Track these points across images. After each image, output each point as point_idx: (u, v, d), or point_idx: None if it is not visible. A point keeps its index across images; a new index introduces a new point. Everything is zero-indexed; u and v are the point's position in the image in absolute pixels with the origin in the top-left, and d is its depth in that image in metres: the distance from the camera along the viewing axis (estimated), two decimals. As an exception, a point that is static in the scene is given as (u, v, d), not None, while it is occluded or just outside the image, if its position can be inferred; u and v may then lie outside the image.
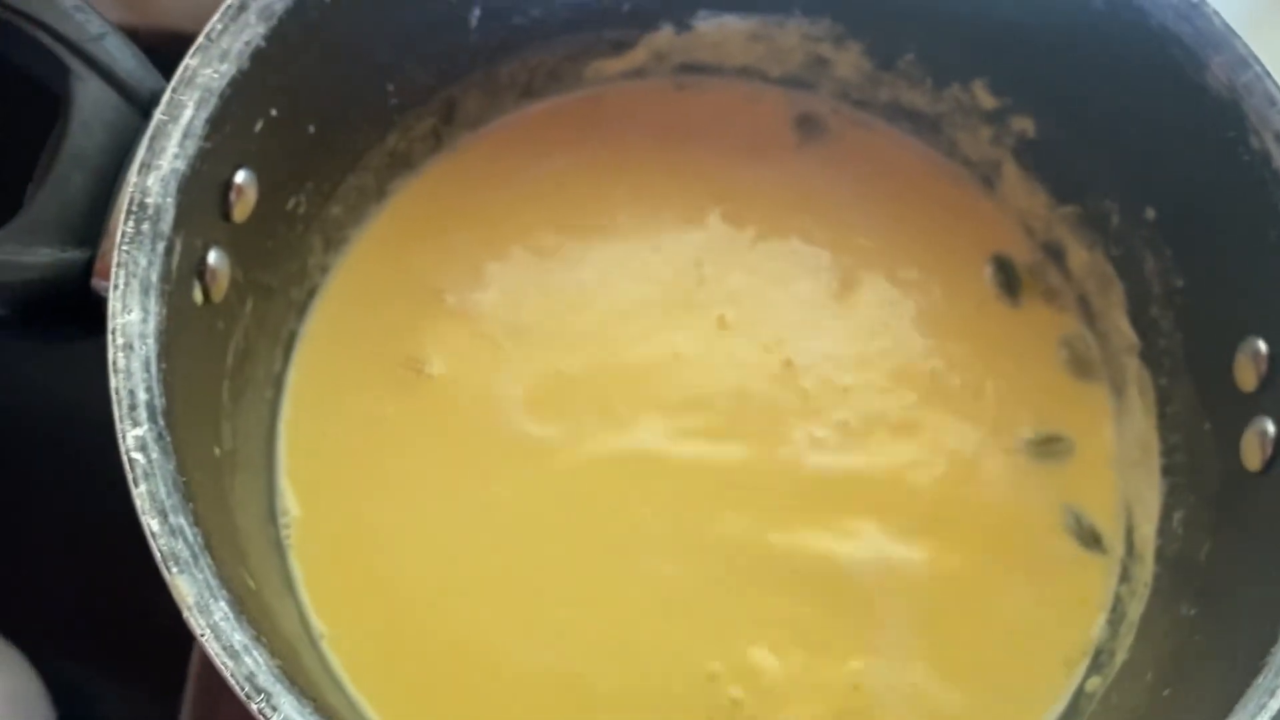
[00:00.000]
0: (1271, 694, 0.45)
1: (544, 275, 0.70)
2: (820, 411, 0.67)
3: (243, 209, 0.57)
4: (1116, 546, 0.65)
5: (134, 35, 0.55)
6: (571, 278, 0.70)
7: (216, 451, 0.55)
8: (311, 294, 0.69)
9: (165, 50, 0.54)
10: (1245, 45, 0.55)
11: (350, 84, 0.63)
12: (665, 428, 0.66)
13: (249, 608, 0.47)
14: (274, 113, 0.57)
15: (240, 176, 0.56)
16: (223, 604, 0.44)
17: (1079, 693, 0.62)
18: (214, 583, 0.44)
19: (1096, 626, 0.63)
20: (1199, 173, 0.59)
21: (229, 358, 0.59)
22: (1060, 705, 0.62)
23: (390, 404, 0.67)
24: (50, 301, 0.50)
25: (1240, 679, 0.46)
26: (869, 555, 0.64)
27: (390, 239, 0.71)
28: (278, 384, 0.66)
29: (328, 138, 0.64)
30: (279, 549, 0.63)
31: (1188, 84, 0.57)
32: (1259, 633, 0.48)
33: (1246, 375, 0.56)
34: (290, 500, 0.65)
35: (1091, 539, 0.65)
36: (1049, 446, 0.66)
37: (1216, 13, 0.56)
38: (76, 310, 0.52)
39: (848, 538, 0.64)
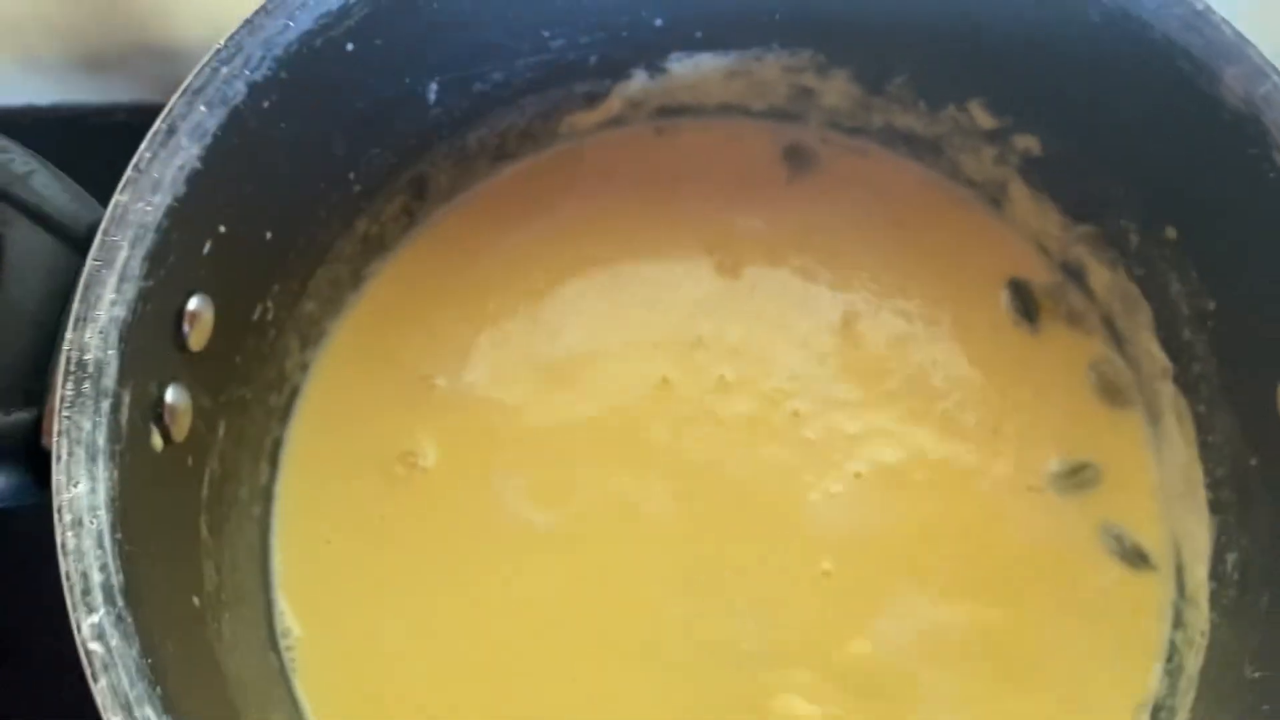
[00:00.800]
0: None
1: (534, 348, 0.67)
2: (833, 465, 0.63)
3: (200, 336, 0.53)
4: (1165, 563, 0.61)
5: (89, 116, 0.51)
6: (562, 348, 0.67)
7: (196, 601, 0.52)
8: (293, 395, 0.65)
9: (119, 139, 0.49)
10: (1260, 54, 0.51)
11: (306, 182, 0.59)
12: (676, 509, 0.62)
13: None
14: (223, 229, 0.54)
15: (193, 304, 0.52)
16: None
17: (1141, 753, 0.57)
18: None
19: (1153, 672, 0.59)
20: (1221, 191, 0.54)
21: (204, 490, 0.56)
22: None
23: (387, 502, 0.64)
24: (-3, 469, 0.47)
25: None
26: (903, 628, 0.60)
27: (371, 326, 0.68)
28: (266, 497, 0.63)
29: (289, 239, 0.60)
30: (283, 678, 0.60)
31: (1200, 98, 0.52)
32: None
33: (1292, 411, 0.52)
34: (291, 620, 0.62)
35: (1137, 557, 0.61)
36: (1077, 476, 0.62)
37: (1226, 21, 0.51)
38: (32, 471, 0.49)
39: (876, 612, 0.60)
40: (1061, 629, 0.60)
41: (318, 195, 0.61)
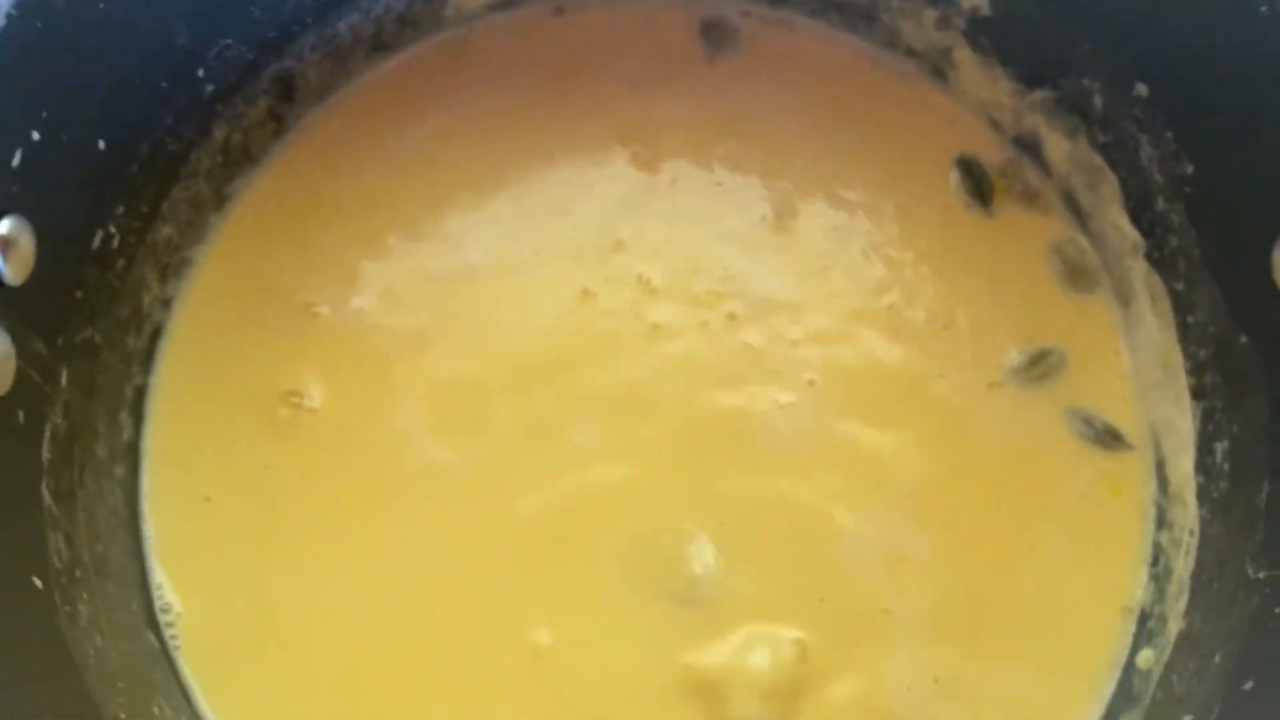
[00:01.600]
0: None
1: (429, 265, 0.59)
2: (779, 373, 0.56)
3: (18, 266, 0.45)
4: (1142, 441, 0.55)
5: None
6: (462, 264, 0.59)
7: (38, 583, 0.43)
8: (155, 336, 0.57)
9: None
10: None
11: (143, 79, 0.50)
12: (606, 435, 0.55)
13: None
14: (36, 136, 0.44)
15: (4, 227, 0.43)
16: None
17: (1130, 667, 0.52)
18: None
19: (1137, 575, 0.54)
20: (1201, 35, 0.48)
21: (44, 452, 0.47)
22: (1111, 677, 0.52)
23: (271, 450, 0.56)
24: None
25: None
26: (869, 550, 0.53)
27: (241, 251, 0.59)
28: (131, 454, 0.55)
29: (129, 149, 0.51)
30: (164, 658, 0.52)
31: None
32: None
33: (1291, 276, 0.46)
34: (170, 593, 0.54)
35: (1110, 437, 0.55)
36: (1040, 365, 0.56)
37: None
38: None
39: (840, 521, 0.53)
40: (1036, 534, 0.55)
41: (160, 96, 0.52)
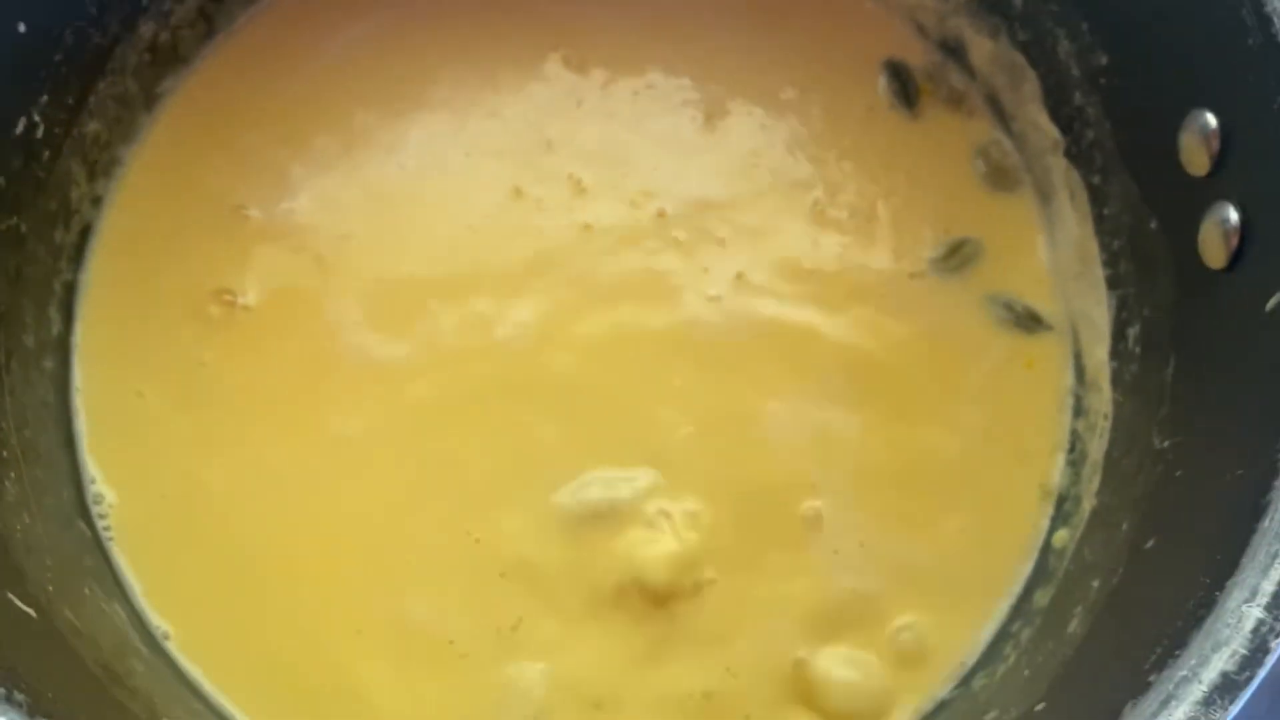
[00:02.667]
0: (1283, 539, 0.36)
1: (361, 168, 0.59)
2: (707, 269, 0.57)
3: (-63, 144, 0.44)
4: (1060, 320, 0.56)
5: None
6: (394, 166, 0.59)
7: (-38, 452, 0.44)
8: (85, 233, 0.57)
9: None
10: None
11: (62, -37, 0.50)
12: (539, 328, 0.56)
13: (10, 647, 0.36)
14: (-48, 12, 0.44)
15: (-78, 103, 0.43)
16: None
17: (1047, 548, 0.54)
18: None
19: (1056, 462, 0.55)
20: (1112, -79, 0.49)
21: (-31, 335, 0.47)
22: (1029, 556, 0.54)
23: (204, 347, 0.56)
24: None
25: (1241, 523, 0.38)
26: (795, 434, 0.54)
27: (171, 151, 0.59)
28: (61, 348, 0.55)
29: (51, 36, 0.51)
30: (97, 547, 0.52)
31: None
32: (1255, 463, 0.39)
33: (1196, 157, 0.47)
34: (102, 485, 0.54)
35: (1030, 319, 0.57)
36: (958, 254, 0.57)
37: None
38: None
39: (766, 406, 0.54)
40: (955, 411, 0.56)
41: (81, -18, 0.51)
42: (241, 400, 0.55)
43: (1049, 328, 0.56)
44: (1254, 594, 0.36)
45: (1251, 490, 0.39)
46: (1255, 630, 0.35)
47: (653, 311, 0.56)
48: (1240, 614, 0.36)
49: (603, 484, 0.53)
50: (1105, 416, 0.54)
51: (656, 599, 0.52)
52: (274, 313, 0.56)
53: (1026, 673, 0.48)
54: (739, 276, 0.57)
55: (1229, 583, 0.37)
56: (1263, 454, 0.39)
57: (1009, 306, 0.56)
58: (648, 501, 0.53)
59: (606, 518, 0.53)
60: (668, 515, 0.53)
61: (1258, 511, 0.38)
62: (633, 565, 0.52)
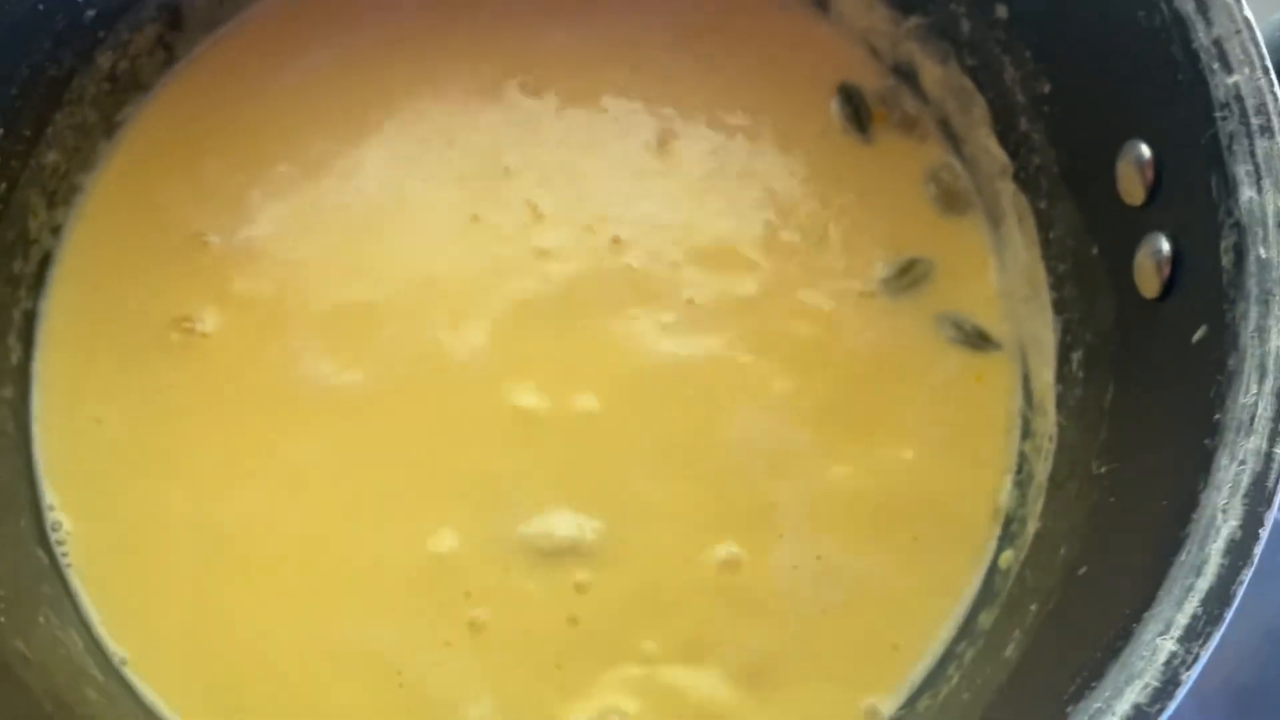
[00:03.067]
0: (1197, 572, 0.37)
1: (320, 195, 0.60)
2: (659, 294, 0.58)
3: (-111, 180, 0.45)
4: (1009, 339, 0.57)
5: None
6: (352, 192, 0.60)
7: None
8: (45, 263, 0.57)
9: None
10: None
11: (13, 1, 0.51)
12: (495, 355, 0.56)
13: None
14: (-97, 52, 0.45)
15: (-128, 141, 0.44)
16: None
17: (993, 569, 0.54)
18: None
19: (1004, 486, 0.56)
20: (1049, -46, 0.49)
21: (-78, 366, 0.48)
22: (977, 576, 0.54)
23: (164, 374, 0.57)
24: None
25: (1161, 554, 0.39)
26: (750, 439, 0.55)
27: (130, 179, 0.60)
28: (21, 376, 0.56)
29: (5, 72, 0.52)
30: (55, 574, 0.53)
31: None
32: (1177, 495, 0.40)
33: (1132, 186, 0.48)
34: (61, 513, 0.55)
35: (978, 338, 0.57)
36: (909, 274, 0.58)
37: None
38: None
39: (722, 428, 0.55)
40: (906, 429, 0.56)
41: (35, 19, 0.52)
42: (200, 426, 0.56)
43: (997, 346, 0.57)
44: (1168, 626, 0.36)
45: (1172, 522, 0.39)
46: (1168, 663, 0.36)
47: (606, 338, 0.57)
48: (1154, 646, 0.36)
49: (562, 524, 0.54)
50: (1050, 439, 0.54)
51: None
52: (233, 340, 0.57)
53: (966, 696, 0.49)
54: (689, 302, 0.57)
55: (1145, 615, 0.37)
56: (1184, 487, 0.40)
57: (958, 325, 0.57)
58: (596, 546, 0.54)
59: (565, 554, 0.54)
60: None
61: (1176, 544, 0.38)
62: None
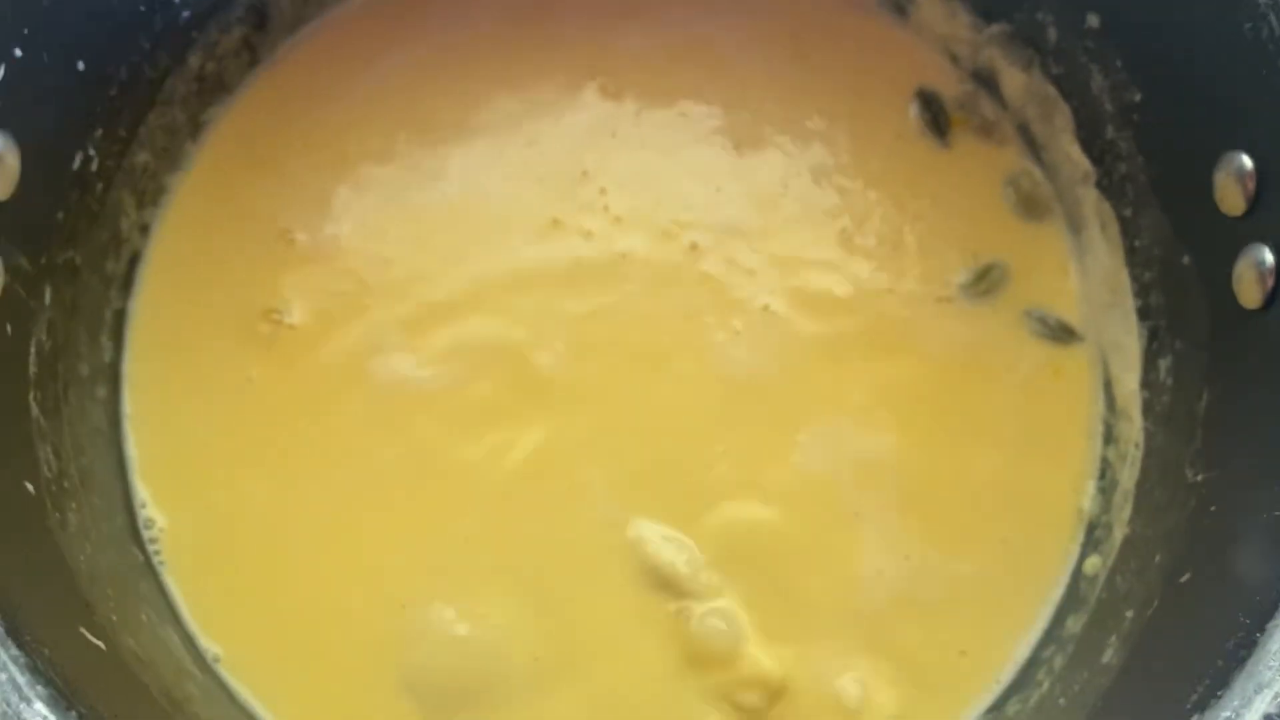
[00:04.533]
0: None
1: (403, 194, 0.60)
2: (737, 301, 0.58)
3: (5, 181, 0.46)
4: (1091, 334, 0.57)
5: None
6: (435, 193, 0.60)
7: (30, 488, 0.45)
8: (134, 262, 0.58)
9: None
10: None
11: (120, 2, 0.51)
12: (572, 357, 0.57)
13: (87, 683, 0.37)
14: (18, 53, 0.45)
15: (-10, 143, 0.44)
16: (38, 705, 0.35)
17: (1078, 574, 0.55)
18: (22, 680, 0.35)
19: (1086, 491, 0.56)
20: (1150, -36, 0.50)
21: (30, 365, 0.48)
22: (1061, 581, 0.55)
23: (252, 364, 0.57)
24: None
25: (1278, 564, 0.39)
26: (828, 458, 0.55)
27: (217, 179, 0.60)
28: (112, 376, 0.56)
29: (107, 73, 0.52)
30: (151, 571, 0.53)
31: None
32: (1289, 504, 0.40)
33: (1231, 197, 0.48)
34: (153, 510, 0.55)
35: (1061, 330, 0.58)
36: (986, 279, 0.58)
37: None
38: None
39: (804, 438, 0.55)
40: (988, 428, 0.57)
41: (137, 20, 0.53)
42: (285, 417, 0.56)
43: (1080, 339, 0.57)
44: (1295, 636, 0.37)
45: (1288, 531, 0.40)
46: (1297, 673, 0.36)
47: (682, 348, 0.57)
48: (1282, 656, 0.37)
49: (663, 543, 0.54)
50: (1136, 445, 0.55)
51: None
52: (318, 332, 0.57)
53: (1062, 701, 0.49)
54: (765, 309, 0.57)
55: (1269, 625, 0.38)
56: (1302, 494, 0.40)
57: (1042, 320, 0.57)
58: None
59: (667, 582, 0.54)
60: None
61: (1301, 551, 0.39)
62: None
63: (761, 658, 0.52)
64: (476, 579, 0.54)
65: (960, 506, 0.55)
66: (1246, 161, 0.47)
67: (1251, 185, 0.47)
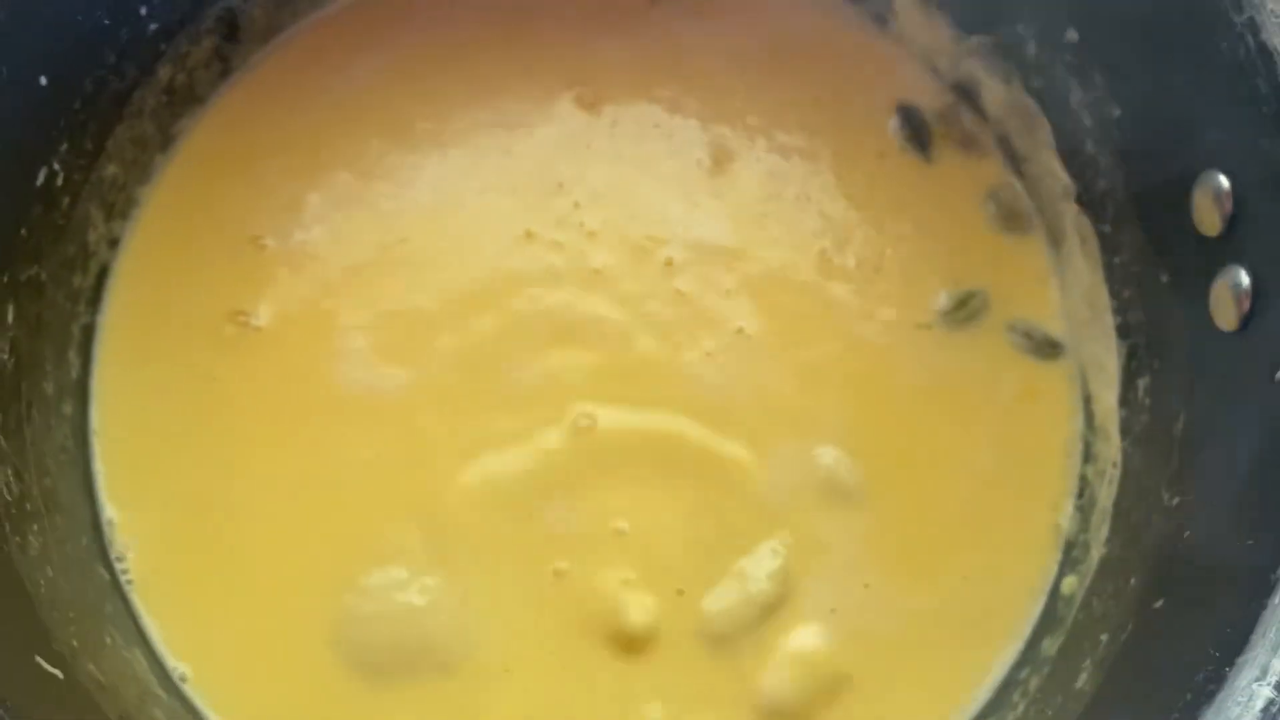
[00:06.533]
0: (1294, 616, 0.37)
1: (375, 202, 0.59)
2: (711, 322, 0.57)
3: (-37, 201, 0.45)
4: (1072, 348, 0.57)
5: None
6: (407, 201, 0.59)
7: (-12, 513, 0.44)
8: (102, 275, 0.57)
9: None
10: None
11: (82, 14, 0.50)
12: (542, 371, 0.56)
13: (39, 716, 0.37)
14: (-23, 71, 0.45)
15: (-52, 162, 0.43)
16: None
17: (1055, 594, 0.54)
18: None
19: (1064, 510, 0.56)
20: (1127, -19, 0.49)
21: (-10, 386, 0.48)
22: (1038, 600, 0.54)
23: (217, 365, 0.56)
24: None
25: (1251, 596, 0.39)
26: (798, 477, 0.55)
27: (188, 189, 0.60)
28: (79, 392, 0.55)
29: (71, 86, 0.52)
30: (116, 592, 0.53)
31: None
32: (1264, 535, 0.40)
33: (1208, 217, 0.48)
34: (121, 527, 0.55)
35: (1046, 345, 0.57)
36: (966, 307, 0.57)
37: None
38: None
39: (770, 466, 0.55)
40: (968, 466, 0.56)
41: (101, 33, 0.52)
42: (250, 419, 0.55)
43: (1062, 352, 0.56)
44: (1264, 672, 0.36)
45: (1262, 563, 0.39)
46: (1266, 709, 0.36)
47: (651, 367, 0.56)
48: (1250, 692, 0.36)
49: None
50: (1114, 464, 0.54)
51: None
52: (286, 335, 0.57)
53: (1036, 725, 0.49)
54: (739, 332, 0.57)
55: (1239, 660, 0.37)
56: (1270, 527, 0.40)
57: (1027, 334, 0.57)
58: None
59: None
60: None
61: (1268, 586, 0.38)
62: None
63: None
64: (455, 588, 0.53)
65: (933, 532, 0.55)
66: (1223, 181, 0.47)
67: (1228, 205, 0.47)
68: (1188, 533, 0.46)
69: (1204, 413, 0.48)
